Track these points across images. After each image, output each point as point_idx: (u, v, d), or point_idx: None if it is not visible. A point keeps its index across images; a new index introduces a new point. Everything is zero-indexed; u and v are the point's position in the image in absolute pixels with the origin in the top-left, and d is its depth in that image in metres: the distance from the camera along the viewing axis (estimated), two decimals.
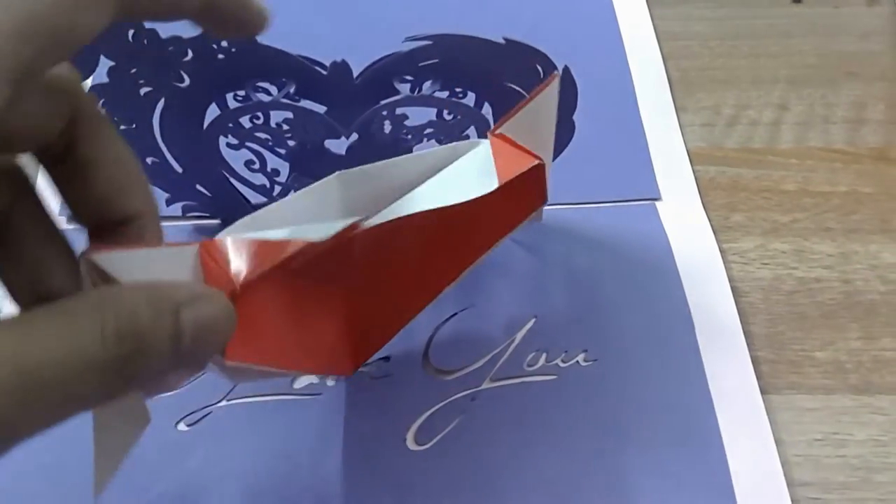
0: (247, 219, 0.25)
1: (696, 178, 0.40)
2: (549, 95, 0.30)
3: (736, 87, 0.44)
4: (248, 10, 0.21)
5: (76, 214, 0.21)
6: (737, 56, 0.46)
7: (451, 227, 0.30)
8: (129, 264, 0.20)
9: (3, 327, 0.17)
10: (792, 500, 0.30)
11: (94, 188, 0.21)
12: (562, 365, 0.34)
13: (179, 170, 0.35)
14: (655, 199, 0.39)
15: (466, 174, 0.29)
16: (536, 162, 0.30)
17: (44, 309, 0.17)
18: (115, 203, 0.21)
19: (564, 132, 0.34)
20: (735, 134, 0.42)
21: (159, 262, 0.21)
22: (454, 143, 0.29)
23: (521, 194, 0.31)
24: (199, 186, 0.36)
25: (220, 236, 0.23)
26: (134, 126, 0.33)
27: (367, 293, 0.31)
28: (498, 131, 0.30)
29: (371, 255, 0.29)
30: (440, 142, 0.35)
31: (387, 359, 0.34)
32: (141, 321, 0.18)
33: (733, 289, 0.36)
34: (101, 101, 0.32)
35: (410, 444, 0.32)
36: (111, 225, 0.21)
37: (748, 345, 0.34)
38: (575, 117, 0.33)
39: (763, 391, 0.33)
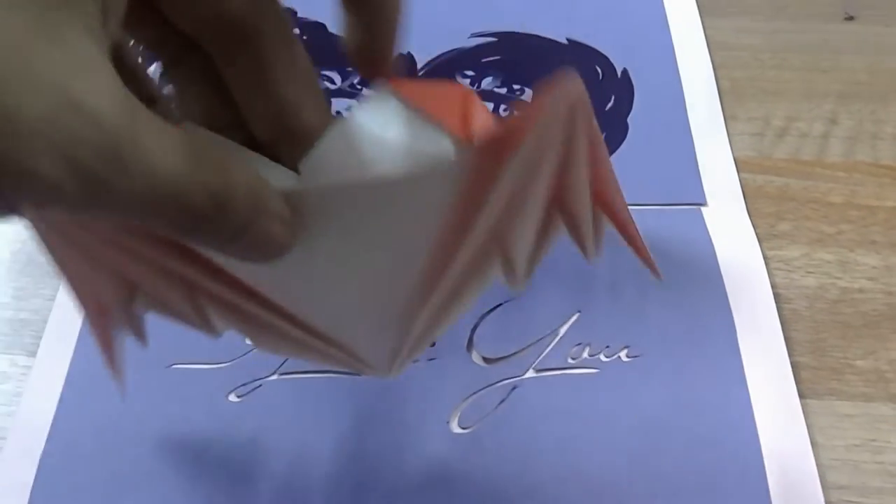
0: None
1: (742, 186, 0.41)
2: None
3: (786, 100, 0.45)
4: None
5: (249, 123, 0.21)
6: (788, 69, 0.47)
7: None
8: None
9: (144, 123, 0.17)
10: (827, 503, 0.30)
11: (272, 96, 0.21)
12: (604, 359, 0.34)
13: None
14: (701, 205, 0.40)
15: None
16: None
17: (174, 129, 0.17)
18: (292, 116, 0.21)
19: (617, 133, 0.35)
20: (784, 145, 0.43)
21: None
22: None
23: None
24: None
25: None
26: None
27: None
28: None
29: None
30: None
31: (432, 343, 0.35)
32: (234, 202, 0.18)
33: (776, 295, 0.36)
34: None
35: (453, 427, 0.33)
36: (286, 138, 0.21)
37: (789, 350, 0.34)
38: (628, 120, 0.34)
39: (802, 395, 0.33)
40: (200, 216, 0.18)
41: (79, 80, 0.15)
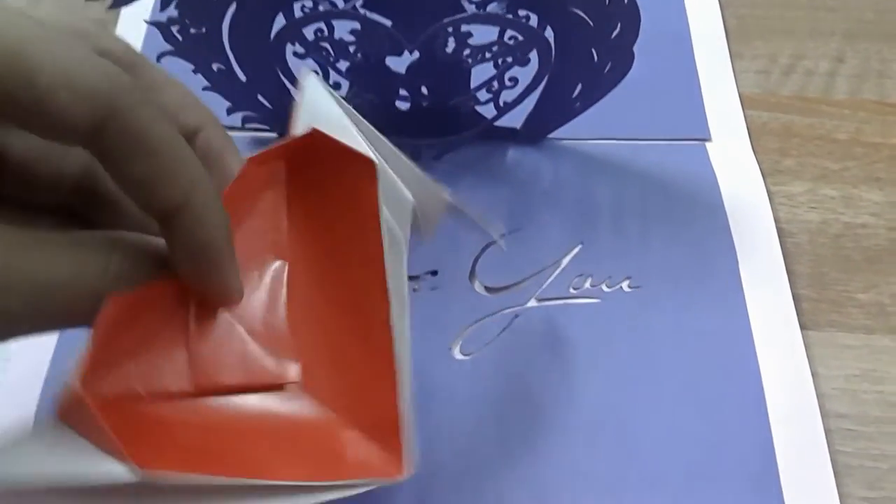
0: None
1: (747, 122, 0.40)
2: None
3: (792, 38, 0.44)
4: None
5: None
6: (794, 7, 0.46)
7: None
8: None
9: (26, 244, 0.19)
10: (826, 430, 0.30)
11: (124, 184, 0.21)
12: (606, 289, 0.34)
13: (243, 78, 0.36)
14: (705, 140, 0.40)
15: None
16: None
17: (63, 235, 0.20)
18: (148, 196, 0.21)
19: (623, 62, 0.34)
20: (789, 82, 0.42)
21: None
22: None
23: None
24: (260, 97, 0.37)
25: None
26: (204, 30, 0.34)
27: None
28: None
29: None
30: (497, 66, 0.35)
31: (434, 272, 0.35)
32: (140, 270, 0.21)
33: (779, 230, 0.36)
34: (174, 3, 0.33)
35: (456, 354, 0.33)
36: (161, 213, 0.21)
37: (791, 283, 0.34)
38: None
39: (803, 327, 0.33)
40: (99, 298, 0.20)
41: None
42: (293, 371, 0.27)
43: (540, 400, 0.31)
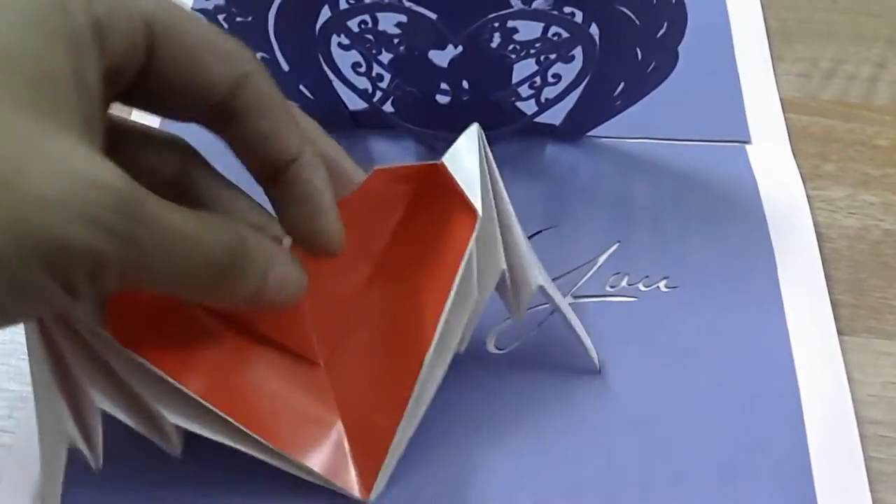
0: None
1: (787, 126, 0.40)
2: None
3: (835, 42, 0.44)
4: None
5: (244, 163, 0.25)
6: (837, 11, 0.46)
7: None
8: None
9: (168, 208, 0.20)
10: (861, 436, 0.30)
11: (250, 137, 0.24)
12: (643, 289, 0.34)
13: (286, 68, 0.36)
14: (745, 142, 0.39)
15: None
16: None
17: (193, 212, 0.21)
18: (270, 148, 0.24)
19: (667, 62, 0.34)
20: (831, 87, 0.42)
21: None
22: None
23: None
24: (302, 87, 0.37)
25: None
26: (250, 18, 0.34)
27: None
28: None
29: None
30: (540, 62, 0.35)
31: None
32: (248, 251, 0.22)
33: (818, 234, 0.36)
34: None
35: (490, 348, 0.33)
36: (275, 168, 0.24)
37: (829, 288, 0.34)
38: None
39: (840, 332, 0.33)
40: (219, 268, 0.21)
41: (84, 162, 0.18)
42: (323, 354, 0.29)
43: (573, 397, 0.32)
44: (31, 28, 0.18)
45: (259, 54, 0.35)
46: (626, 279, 0.35)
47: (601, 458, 0.30)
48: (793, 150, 0.39)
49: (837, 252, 0.36)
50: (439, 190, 0.28)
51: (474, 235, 0.27)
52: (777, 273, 0.34)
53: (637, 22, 0.33)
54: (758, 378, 0.32)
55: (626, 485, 0.29)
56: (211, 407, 0.26)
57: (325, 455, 0.28)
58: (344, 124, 0.39)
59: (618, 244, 0.36)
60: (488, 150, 0.28)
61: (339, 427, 0.29)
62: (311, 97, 0.38)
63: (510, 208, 0.29)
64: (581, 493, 0.29)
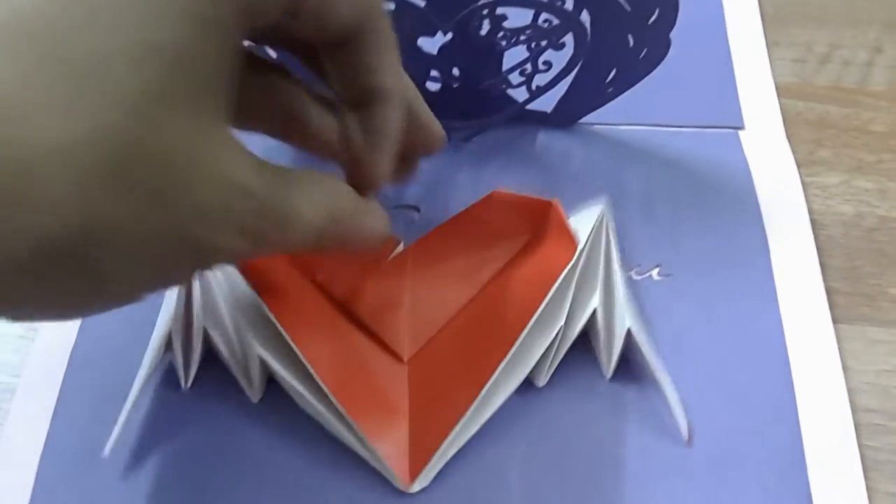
0: None
1: (782, 112, 0.40)
2: None
3: (830, 27, 0.44)
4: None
5: (332, 83, 0.25)
6: None
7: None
8: None
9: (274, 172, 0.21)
10: (855, 424, 0.30)
11: (356, 67, 0.24)
12: (635, 277, 0.34)
13: (274, 55, 0.36)
14: (738, 128, 0.39)
15: None
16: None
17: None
18: (372, 80, 0.25)
19: (659, 48, 0.34)
20: (826, 72, 0.42)
21: None
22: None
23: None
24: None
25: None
26: None
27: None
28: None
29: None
30: (531, 49, 0.35)
31: None
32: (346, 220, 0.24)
33: (813, 221, 0.36)
34: None
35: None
36: (362, 98, 0.25)
37: (823, 275, 0.34)
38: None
39: (835, 320, 0.33)
40: (321, 233, 0.23)
41: (231, 166, 0.19)
42: (409, 352, 0.32)
43: (566, 381, 0.31)
44: (189, 21, 0.18)
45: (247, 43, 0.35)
46: None
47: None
48: (787, 136, 0.39)
49: (832, 239, 0.35)
50: (548, 226, 0.32)
51: (571, 263, 0.30)
52: (771, 261, 0.34)
53: (628, 8, 0.32)
54: (752, 367, 0.31)
55: (617, 474, 0.29)
56: (301, 357, 0.28)
57: (385, 437, 0.29)
58: None
59: None
60: (610, 222, 0.32)
61: (405, 421, 0.30)
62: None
63: (617, 266, 0.31)
64: (571, 479, 0.29)
